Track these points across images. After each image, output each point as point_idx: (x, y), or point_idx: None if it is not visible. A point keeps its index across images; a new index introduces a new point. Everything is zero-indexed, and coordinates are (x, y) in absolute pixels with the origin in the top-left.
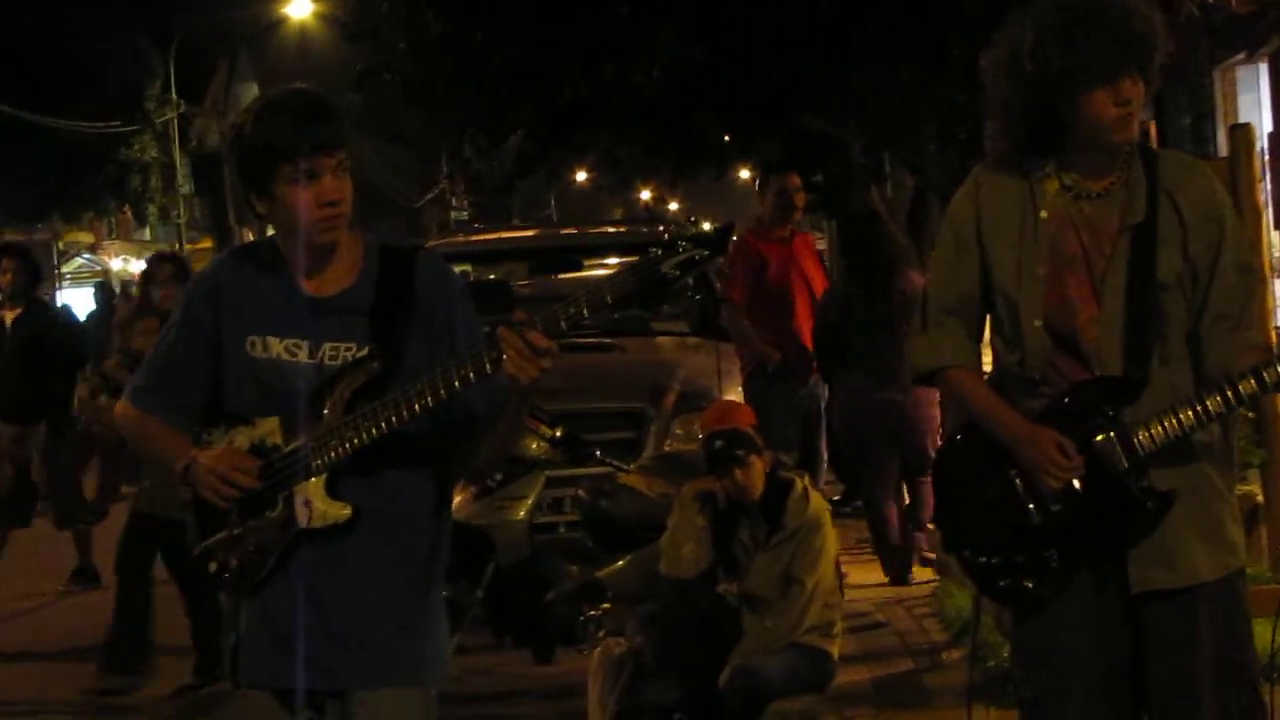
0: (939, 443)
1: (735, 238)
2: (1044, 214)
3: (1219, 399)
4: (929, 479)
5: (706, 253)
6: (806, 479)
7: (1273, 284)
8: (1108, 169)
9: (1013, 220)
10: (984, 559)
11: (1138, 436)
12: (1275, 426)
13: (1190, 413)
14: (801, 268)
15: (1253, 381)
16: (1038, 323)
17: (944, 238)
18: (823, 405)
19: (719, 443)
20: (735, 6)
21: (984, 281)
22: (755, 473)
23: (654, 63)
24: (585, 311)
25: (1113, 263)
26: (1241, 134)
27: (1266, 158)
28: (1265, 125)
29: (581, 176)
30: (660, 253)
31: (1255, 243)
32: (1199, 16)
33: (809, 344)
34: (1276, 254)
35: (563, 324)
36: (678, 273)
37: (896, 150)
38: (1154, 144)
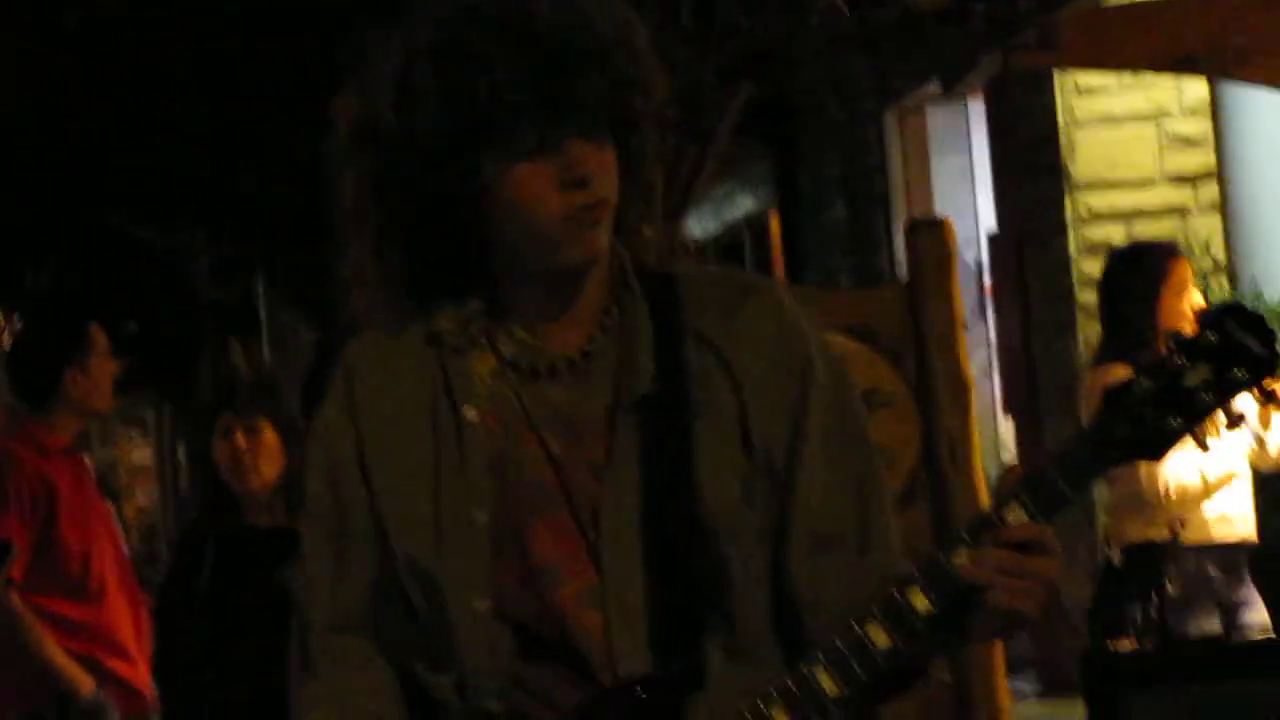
0: None
1: None
2: (470, 413)
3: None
4: None
5: None
6: None
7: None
8: (577, 314)
9: (418, 434)
10: None
11: None
12: None
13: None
14: (101, 508)
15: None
16: (481, 604)
17: (313, 491)
18: None
19: None
20: None
21: (385, 551)
22: None
23: None
24: None
25: (611, 480)
26: (929, 238)
27: (988, 282)
28: (984, 219)
29: None
30: None
31: (965, 433)
32: (850, 16)
33: (143, 662)
34: (1007, 455)
35: None
36: None
37: (281, 274)
38: (776, 257)
